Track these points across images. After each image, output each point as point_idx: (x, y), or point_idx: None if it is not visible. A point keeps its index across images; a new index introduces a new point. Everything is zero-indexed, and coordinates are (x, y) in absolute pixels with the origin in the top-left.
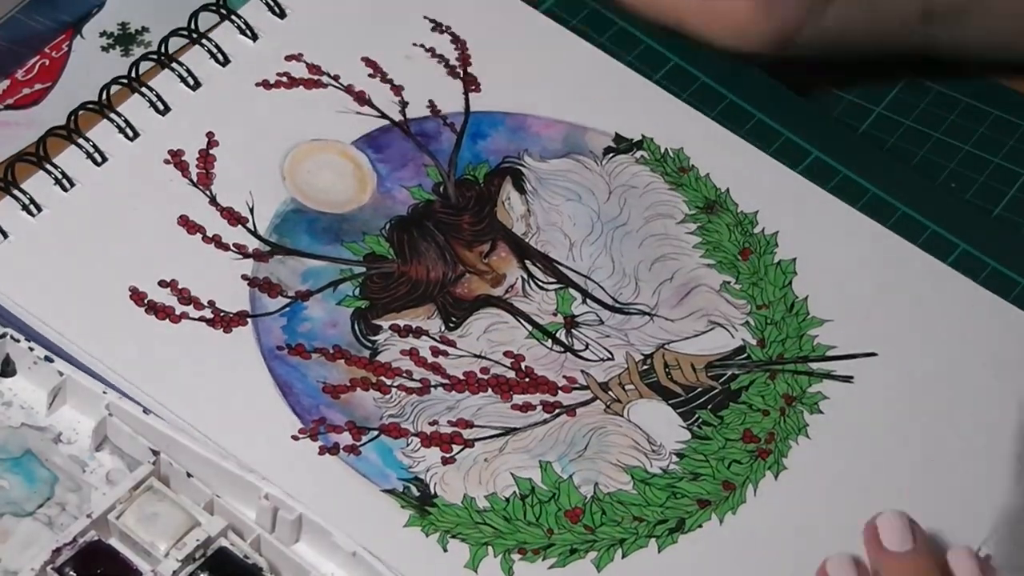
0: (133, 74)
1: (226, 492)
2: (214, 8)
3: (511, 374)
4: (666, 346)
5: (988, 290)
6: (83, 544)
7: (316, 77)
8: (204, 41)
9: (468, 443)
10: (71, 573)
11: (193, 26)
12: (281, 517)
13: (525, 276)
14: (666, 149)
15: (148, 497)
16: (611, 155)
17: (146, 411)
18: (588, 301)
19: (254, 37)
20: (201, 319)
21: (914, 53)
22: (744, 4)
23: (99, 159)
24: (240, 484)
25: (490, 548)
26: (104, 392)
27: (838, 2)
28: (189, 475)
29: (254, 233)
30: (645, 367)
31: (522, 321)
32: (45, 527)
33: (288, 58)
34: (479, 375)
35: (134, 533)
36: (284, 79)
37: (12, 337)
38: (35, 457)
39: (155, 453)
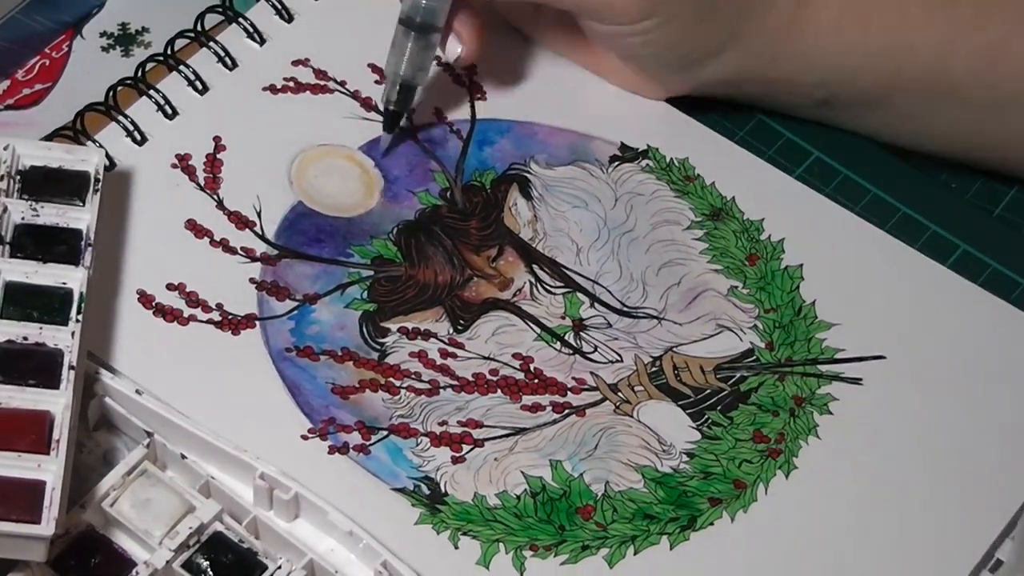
0: (139, 75)
1: (221, 473)
2: (220, 10)
3: (520, 375)
4: (674, 349)
5: (989, 291)
6: (76, 535)
7: (323, 82)
8: (211, 44)
9: (478, 443)
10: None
11: (199, 28)
12: (277, 497)
13: (533, 280)
14: (671, 159)
15: (142, 482)
16: (617, 163)
17: (139, 391)
18: (596, 305)
19: (261, 41)
20: (209, 321)
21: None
22: (632, 78)
23: (107, 164)
24: (236, 464)
25: (501, 545)
26: (96, 373)
27: (732, 82)
28: (184, 456)
29: (261, 237)
30: (654, 369)
31: (530, 324)
32: None
33: (295, 63)
34: (488, 376)
35: (129, 521)
36: (291, 84)
37: None
38: None
39: (149, 435)
